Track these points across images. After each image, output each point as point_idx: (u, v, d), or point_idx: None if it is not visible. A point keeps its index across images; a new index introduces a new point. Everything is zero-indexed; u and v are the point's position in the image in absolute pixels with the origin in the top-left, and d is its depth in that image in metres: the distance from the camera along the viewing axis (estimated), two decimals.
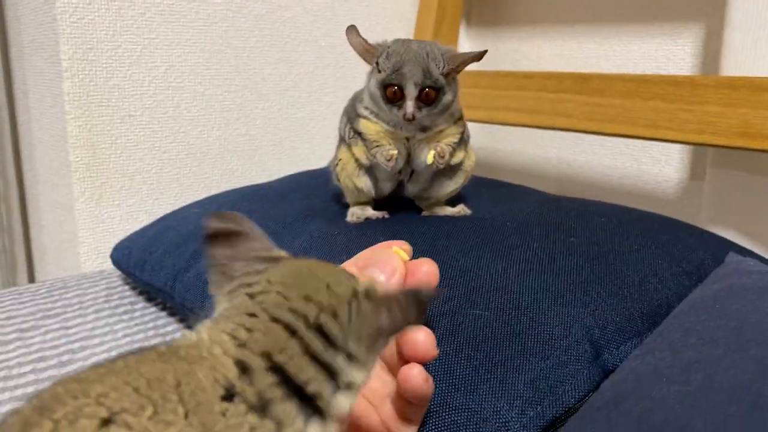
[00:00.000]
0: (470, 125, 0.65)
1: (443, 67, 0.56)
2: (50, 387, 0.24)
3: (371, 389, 0.37)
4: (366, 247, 0.40)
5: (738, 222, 0.77)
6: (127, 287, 0.77)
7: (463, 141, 0.62)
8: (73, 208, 0.88)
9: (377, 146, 0.59)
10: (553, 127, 0.86)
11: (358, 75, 1.11)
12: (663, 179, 0.94)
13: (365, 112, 0.60)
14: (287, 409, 0.25)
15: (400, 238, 0.40)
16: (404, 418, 0.37)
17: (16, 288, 0.78)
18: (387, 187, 0.64)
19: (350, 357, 0.27)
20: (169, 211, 0.89)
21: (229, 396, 0.24)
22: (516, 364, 0.43)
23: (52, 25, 0.83)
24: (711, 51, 0.86)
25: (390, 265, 0.36)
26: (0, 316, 0.69)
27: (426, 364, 0.36)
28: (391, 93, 0.56)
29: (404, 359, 0.36)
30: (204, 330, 0.27)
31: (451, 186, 0.63)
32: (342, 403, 0.27)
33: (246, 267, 0.30)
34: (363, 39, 0.58)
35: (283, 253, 0.32)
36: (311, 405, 0.26)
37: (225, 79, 0.97)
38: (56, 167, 0.91)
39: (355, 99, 0.63)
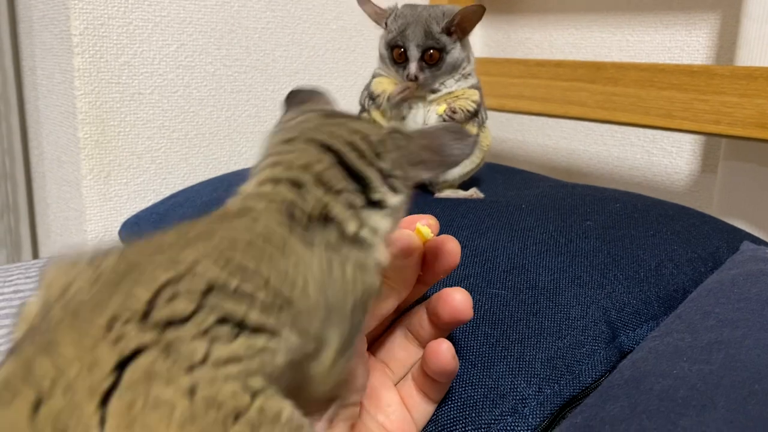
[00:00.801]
0: None
1: (443, 25, 0.57)
2: (123, 253, 0.23)
3: (395, 357, 0.37)
4: None
5: (750, 215, 0.77)
6: None
7: (478, 117, 0.62)
8: (80, 185, 0.88)
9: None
10: (566, 116, 0.86)
11: (368, 59, 1.11)
12: (674, 171, 0.93)
13: (378, 71, 0.62)
14: (340, 209, 0.27)
15: None
16: (425, 395, 0.37)
17: (23, 263, 0.78)
18: None
19: (384, 175, 0.28)
20: (176, 190, 0.88)
21: (291, 230, 0.25)
22: (533, 343, 0.43)
23: (64, 0, 0.82)
24: (726, 42, 0.86)
25: (405, 244, 0.36)
26: (8, 290, 0.69)
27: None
28: (397, 54, 0.58)
29: (436, 324, 0.35)
30: (245, 184, 0.28)
31: (468, 166, 0.63)
32: (377, 220, 0.28)
33: (296, 114, 0.31)
34: (374, 5, 0.61)
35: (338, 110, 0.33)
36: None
37: (235, 60, 0.96)
38: (64, 144, 0.90)
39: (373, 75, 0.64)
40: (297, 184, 0.27)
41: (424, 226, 0.37)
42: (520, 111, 0.92)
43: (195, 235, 0.24)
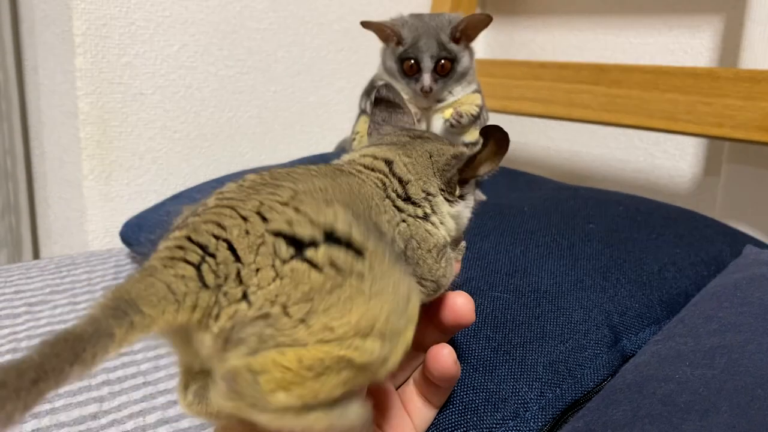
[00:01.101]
0: None
1: (451, 33, 0.57)
2: (260, 174, 0.30)
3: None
4: None
5: (753, 218, 0.77)
6: (136, 265, 0.77)
7: (480, 119, 0.62)
8: (81, 186, 0.87)
9: None
10: (569, 118, 0.86)
11: (370, 61, 1.11)
12: (676, 174, 0.93)
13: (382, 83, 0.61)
14: (417, 191, 0.34)
15: None
16: (426, 399, 0.37)
17: (24, 263, 0.78)
18: None
19: (440, 188, 0.35)
20: (177, 191, 0.88)
21: (386, 195, 0.32)
22: (535, 347, 0.42)
23: (66, 0, 0.82)
24: (730, 45, 0.85)
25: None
26: (8, 290, 0.69)
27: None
28: (408, 67, 0.58)
29: (438, 328, 0.35)
30: (348, 155, 0.36)
31: None
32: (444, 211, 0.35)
33: (392, 131, 0.39)
34: (378, 23, 0.60)
35: (423, 131, 0.40)
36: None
37: (237, 61, 0.96)
38: (65, 144, 0.90)
39: (374, 79, 0.63)
40: (388, 162, 0.34)
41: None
42: (522, 113, 0.92)
43: (320, 174, 0.31)
